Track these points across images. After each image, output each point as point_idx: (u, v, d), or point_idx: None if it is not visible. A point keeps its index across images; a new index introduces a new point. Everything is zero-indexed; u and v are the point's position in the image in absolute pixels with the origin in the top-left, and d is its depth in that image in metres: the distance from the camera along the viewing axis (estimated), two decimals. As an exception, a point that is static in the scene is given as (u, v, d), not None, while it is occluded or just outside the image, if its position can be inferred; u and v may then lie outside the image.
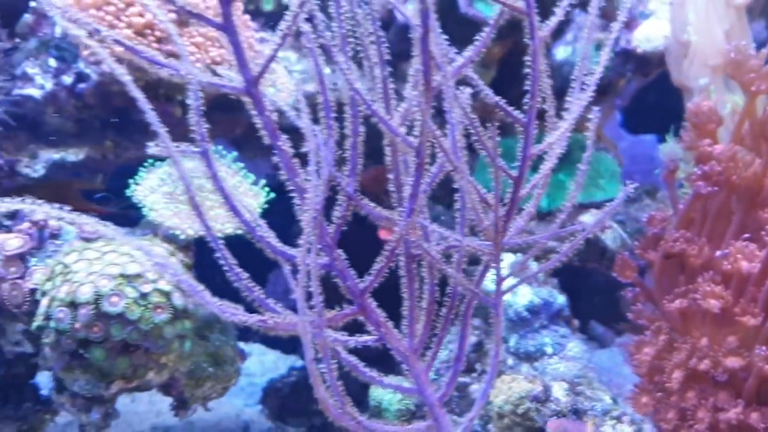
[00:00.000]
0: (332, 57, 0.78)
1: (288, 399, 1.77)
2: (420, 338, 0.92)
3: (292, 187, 0.82)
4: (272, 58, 0.75)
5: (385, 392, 1.35)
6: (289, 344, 1.84)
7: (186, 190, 0.81)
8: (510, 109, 0.76)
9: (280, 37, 0.74)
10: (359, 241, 0.97)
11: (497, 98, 0.75)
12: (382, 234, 1.68)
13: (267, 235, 0.86)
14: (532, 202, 0.82)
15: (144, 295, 1.06)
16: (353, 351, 0.90)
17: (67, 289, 1.06)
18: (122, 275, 1.06)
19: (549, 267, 0.84)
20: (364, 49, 0.80)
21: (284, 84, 1.51)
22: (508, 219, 0.76)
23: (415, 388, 0.94)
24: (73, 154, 1.30)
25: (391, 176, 0.84)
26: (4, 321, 1.19)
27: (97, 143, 1.33)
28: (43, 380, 1.33)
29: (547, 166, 0.79)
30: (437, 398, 0.95)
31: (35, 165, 1.28)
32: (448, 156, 0.71)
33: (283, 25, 0.74)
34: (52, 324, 1.07)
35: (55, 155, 1.29)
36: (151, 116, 0.78)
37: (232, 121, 1.42)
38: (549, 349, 1.38)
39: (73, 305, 1.05)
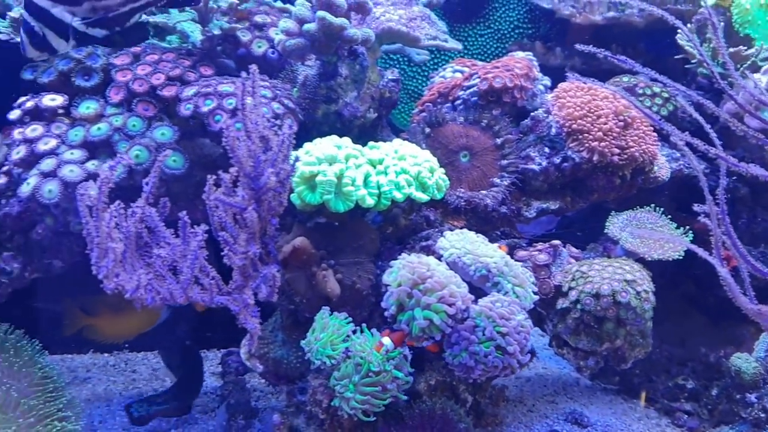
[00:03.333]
0: None
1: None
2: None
3: None
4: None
5: (742, 361, 2.05)
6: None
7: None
8: None
9: None
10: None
11: None
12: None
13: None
14: None
15: (638, 293, 1.84)
16: None
17: (591, 287, 1.87)
18: (625, 280, 1.86)
19: None
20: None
21: (663, 164, 2.26)
22: None
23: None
24: (552, 204, 2.13)
25: None
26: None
27: (561, 198, 2.15)
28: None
29: None
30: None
31: (530, 210, 2.12)
32: None
33: None
34: (578, 306, 1.88)
35: (543, 204, 2.12)
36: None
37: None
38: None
39: (597, 296, 1.86)
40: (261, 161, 1.55)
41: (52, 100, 1.95)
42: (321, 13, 1.84)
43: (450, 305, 1.68)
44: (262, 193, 1.57)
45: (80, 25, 1.69)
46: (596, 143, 2.04)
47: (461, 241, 1.80)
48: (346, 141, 1.89)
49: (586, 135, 2.05)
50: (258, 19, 2.12)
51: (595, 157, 2.05)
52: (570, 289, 1.91)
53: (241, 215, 1.60)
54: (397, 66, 2.92)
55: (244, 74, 1.57)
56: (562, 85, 2.18)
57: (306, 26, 1.87)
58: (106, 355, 2.77)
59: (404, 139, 2.16)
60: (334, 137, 1.89)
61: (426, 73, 2.97)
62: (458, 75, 2.33)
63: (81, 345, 2.73)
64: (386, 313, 1.76)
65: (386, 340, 1.73)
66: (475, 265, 1.76)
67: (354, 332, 1.77)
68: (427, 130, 2.12)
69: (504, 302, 1.72)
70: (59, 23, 1.69)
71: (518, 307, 1.73)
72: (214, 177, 1.62)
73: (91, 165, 1.85)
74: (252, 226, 1.57)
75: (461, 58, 2.44)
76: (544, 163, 2.10)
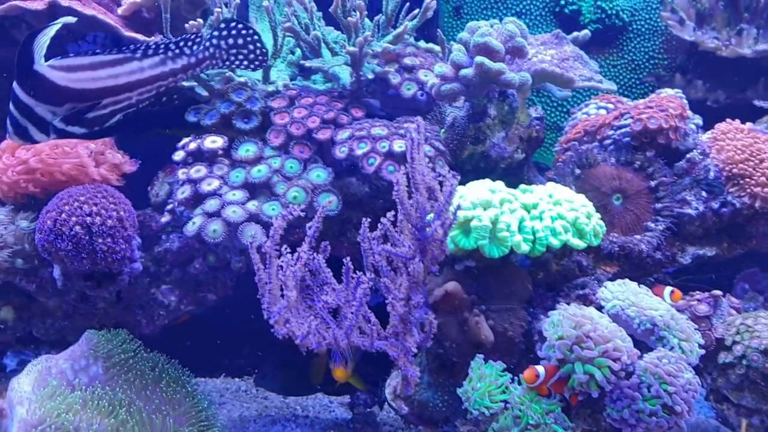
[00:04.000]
0: None
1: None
2: None
3: None
4: None
5: None
6: None
7: None
8: None
9: None
10: None
11: None
12: None
13: None
14: None
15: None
16: None
17: (758, 342, 1.77)
18: (793, 337, 1.75)
19: None
20: None
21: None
22: None
23: None
24: (708, 251, 2.04)
25: None
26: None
27: (717, 244, 2.06)
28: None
29: None
30: None
31: (686, 256, 2.03)
32: None
33: None
34: (744, 362, 1.79)
35: (699, 251, 2.03)
36: None
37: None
38: None
39: (766, 353, 1.76)
40: (426, 212, 1.56)
41: (213, 143, 2.03)
42: (479, 59, 1.84)
43: (614, 360, 1.63)
44: (427, 243, 1.57)
45: (59, 123, 1.74)
46: (759, 189, 1.94)
47: (624, 292, 1.75)
48: (500, 185, 1.88)
49: (748, 180, 1.96)
50: (407, 61, 2.14)
51: (758, 204, 1.95)
52: (734, 343, 1.81)
53: (405, 263, 1.61)
54: (528, 99, 2.89)
55: (411, 126, 1.59)
56: (719, 127, 2.09)
57: (463, 71, 1.87)
58: (236, 380, 2.86)
59: (551, 179, 2.12)
60: (488, 181, 1.88)
61: (555, 104, 2.92)
62: (602, 112, 2.27)
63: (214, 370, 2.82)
64: (543, 363, 1.73)
65: (540, 369, 1.69)
66: (639, 318, 1.70)
67: (511, 382, 1.74)
68: (577, 171, 2.07)
69: (671, 358, 1.65)
70: (41, 120, 1.74)
71: (685, 364, 1.65)
72: (369, 220, 1.64)
73: (251, 205, 1.91)
74: (417, 276, 1.58)
75: (604, 94, 2.38)
76: (701, 208, 2.01)
